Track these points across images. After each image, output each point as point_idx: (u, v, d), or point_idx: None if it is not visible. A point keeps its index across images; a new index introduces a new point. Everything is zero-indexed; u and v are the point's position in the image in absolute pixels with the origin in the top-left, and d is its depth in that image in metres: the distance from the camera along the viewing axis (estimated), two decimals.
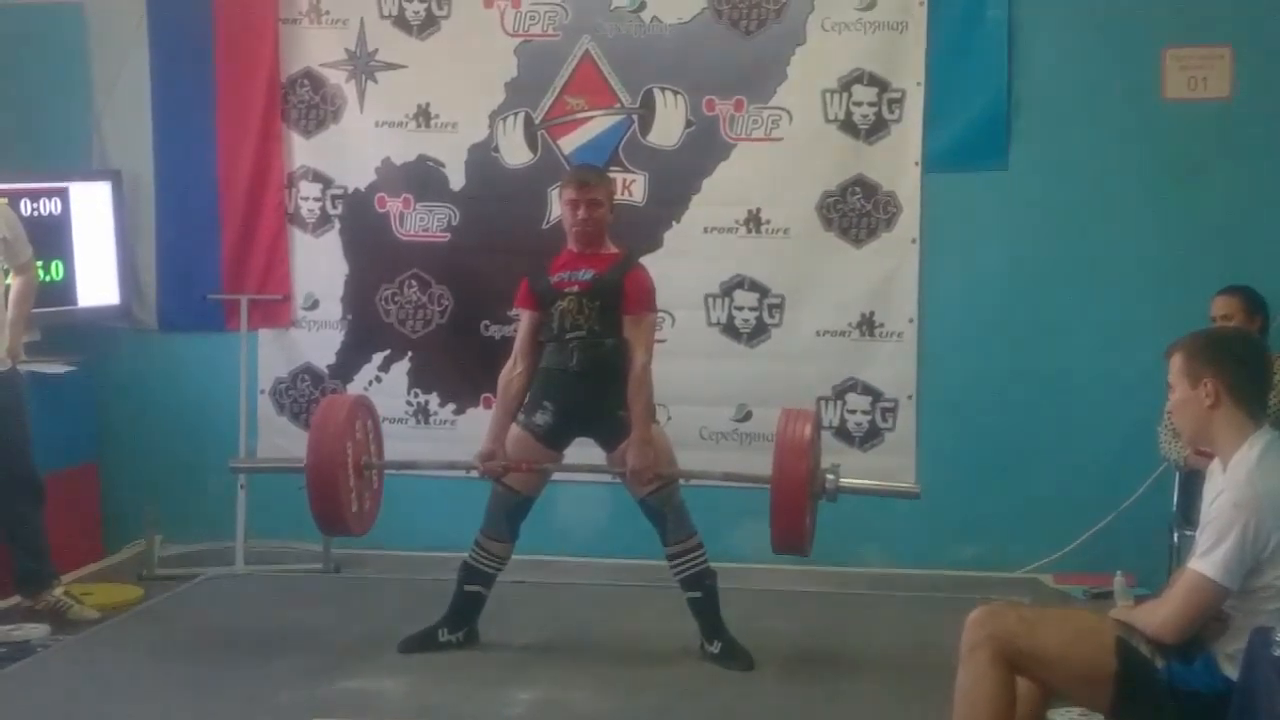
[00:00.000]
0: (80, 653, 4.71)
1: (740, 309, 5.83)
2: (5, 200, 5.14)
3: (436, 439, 5.88)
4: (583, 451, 4.70)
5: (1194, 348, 3.11)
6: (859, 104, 5.69)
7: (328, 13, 5.99)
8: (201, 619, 5.14)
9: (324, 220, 6.09)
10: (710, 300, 5.84)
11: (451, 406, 6.02)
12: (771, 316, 5.82)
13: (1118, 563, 5.17)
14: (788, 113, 5.73)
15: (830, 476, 4.31)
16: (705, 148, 5.80)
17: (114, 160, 6.09)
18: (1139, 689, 3.00)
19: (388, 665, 4.53)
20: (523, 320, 4.67)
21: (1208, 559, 2.93)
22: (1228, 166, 5.53)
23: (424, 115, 5.95)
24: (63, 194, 5.78)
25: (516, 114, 5.90)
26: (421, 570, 5.58)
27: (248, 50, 6.00)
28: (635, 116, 5.84)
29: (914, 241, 5.71)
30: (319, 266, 6.10)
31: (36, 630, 4.83)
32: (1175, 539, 4.90)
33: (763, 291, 5.81)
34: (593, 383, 4.49)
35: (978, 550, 5.71)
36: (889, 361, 5.76)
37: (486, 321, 5.96)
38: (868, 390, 5.78)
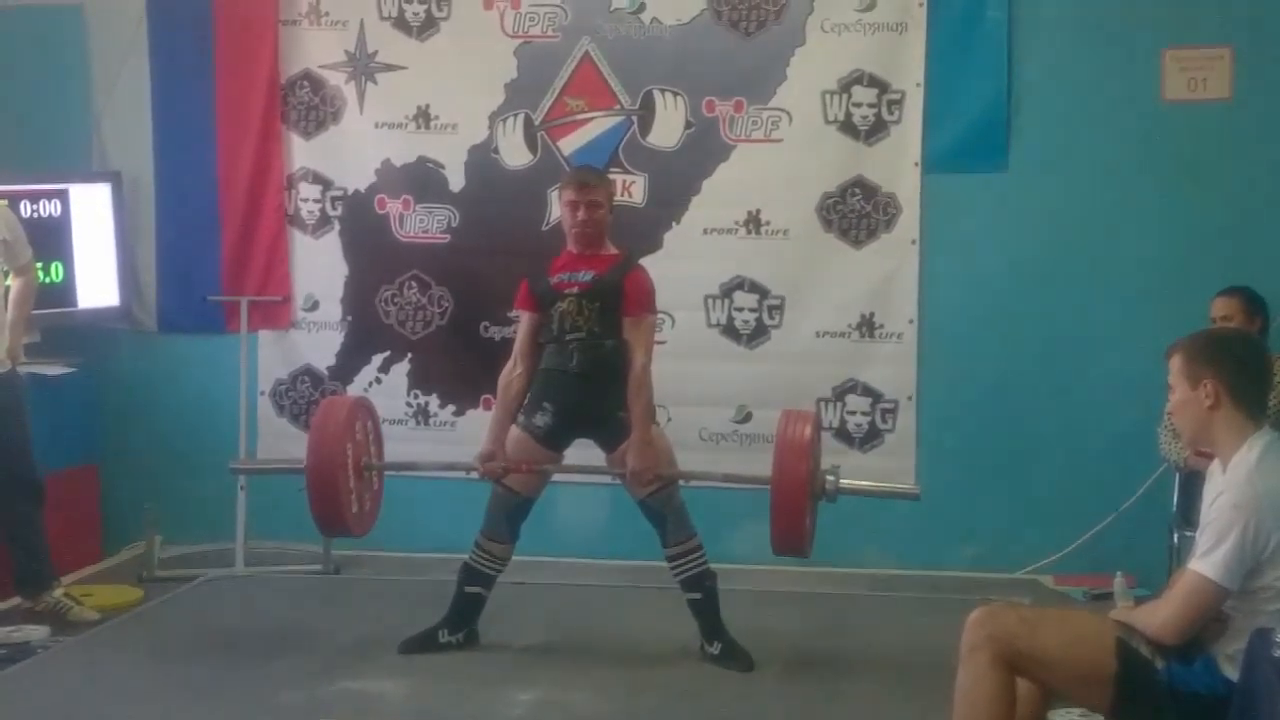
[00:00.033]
0: (80, 654, 4.71)
1: (740, 310, 5.83)
2: (5, 202, 5.14)
3: (436, 440, 5.88)
4: (583, 453, 4.70)
5: (1194, 348, 3.11)
6: (859, 105, 5.69)
7: (327, 14, 5.99)
8: (201, 620, 5.14)
9: (324, 221, 6.09)
10: (710, 301, 5.84)
11: (451, 408, 6.02)
12: (771, 318, 5.82)
13: (1118, 564, 5.17)
14: (787, 114, 5.73)
15: (830, 478, 4.31)
16: (705, 149, 5.80)
17: (114, 162, 6.10)
18: (1139, 690, 3.00)
19: (388, 666, 4.53)
20: (522, 321, 4.67)
21: (1208, 560, 2.93)
22: (1228, 167, 5.53)
23: (424, 117, 5.96)
24: (62, 195, 5.78)
25: (516, 115, 5.91)
26: (422, 571, 5.59)
27: (247, 52, 6.00)
28: (635, 118, 5.84)
29: (914, 242, 5.71)
30: (319, 268, 6.10)
31: (36, 631, 4.83)
32: (1175, 540, 4.90)
33: (762, 293, 5.81)
34: (593, 384, 4.49)
35: (978, 551, 5.71)
36: (889, 363, 5.76)
37: (486, 323, 5.96)
38: (868, 391, 5.78)
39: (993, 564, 5.67)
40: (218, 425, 5.95)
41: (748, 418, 5.81)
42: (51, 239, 5.66)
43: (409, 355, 6.06)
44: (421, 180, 5.98)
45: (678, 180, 5.82)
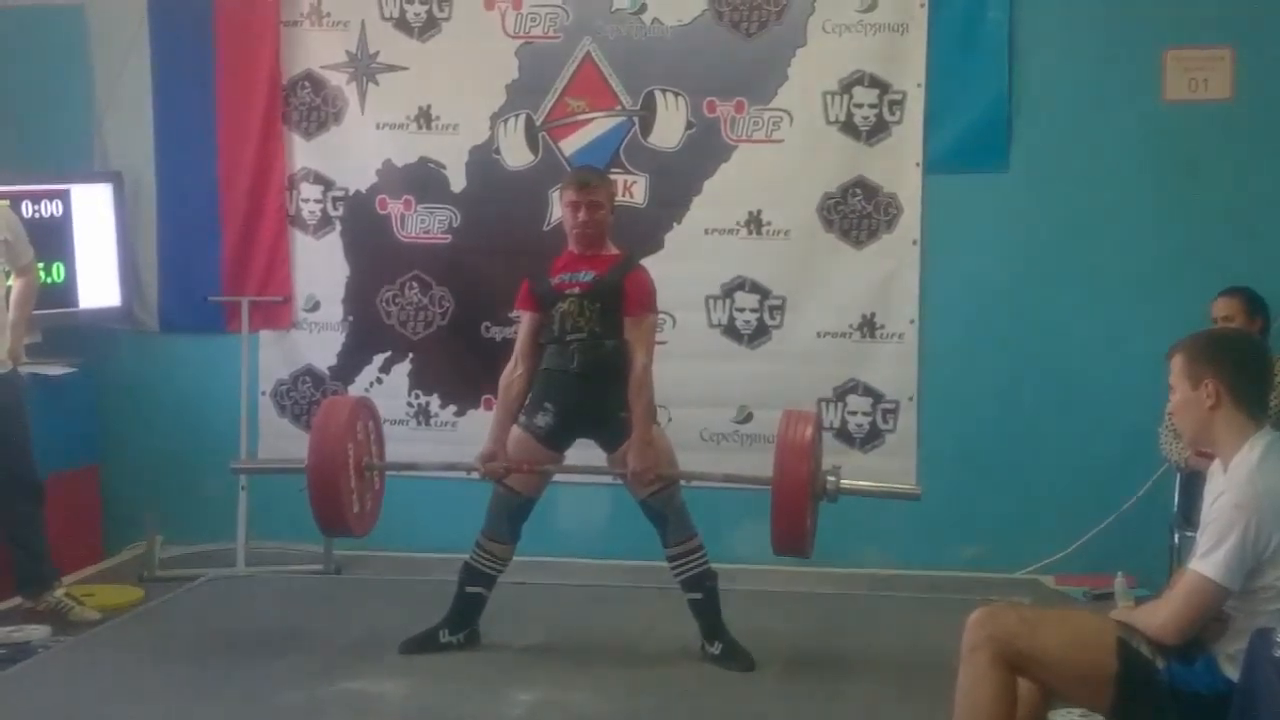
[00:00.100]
0: (81, 654, 4.72)
1: (741, 310, 5.83)
2: (6, 202, 5.15)
3: (437, 440, 5.88)
4: (584, 453, 4.70)
5: (1195, 349, 3.11)
6: (860, 105, 5.69)
7: (329, 15, 5.99)
8: (202, 620, 5.14)
9: (325, 222, 6.09)
10: (711, 302, 5.84)
11: (452, 408, 6.02)
12: (772, 318, 5.82)
13: (1118, 564, 5.17)
14: (788, 114, 5.73)
15: (831, 478, 4.31)
16: (706, 149, 5.80)
17: (115, 162, 6.10)
18: (1140, 690, 3.00)
19: (389, 666, 4.54)
20: (523, 322, 4.67)
21: (1208, 560, 2.93)
22: (1228, 168, 5.53)
23: (425, 117, 5.96)
24: (64, 196, 5.78)
25: (517, 116, 5.91)
26: (422, 572, 5.59)
27: (249, 52, 6.00)
28: (636, 118, 5.84)
29: (915, 243, 5.71)
30: (320, 268, 6.10)
31: (37, 631, 4.83)
32: (1176, 540, 4.90)
33: (763, 293, 5.81)
34: (593, 384, 4.49)
35: (978, 551, 5.71)
36: (890, 363, 5.76)
37: (487, 323, 5.96)
38: (868, 392, 5.79)
39: (993, 564, 5.66)
40: (219, 425, 5.95)
41: (749, 418, 5.81)
42: (53, 239, 5.66)
43: (410, 355, 6.06)
44: (423, 181, 5.98)
45: (679, 181, 5.82)
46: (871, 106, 5.68)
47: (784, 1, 5.70)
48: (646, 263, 4.77)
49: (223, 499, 5.77)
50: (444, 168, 5.97)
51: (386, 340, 6.07)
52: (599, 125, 5.87)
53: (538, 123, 5.90)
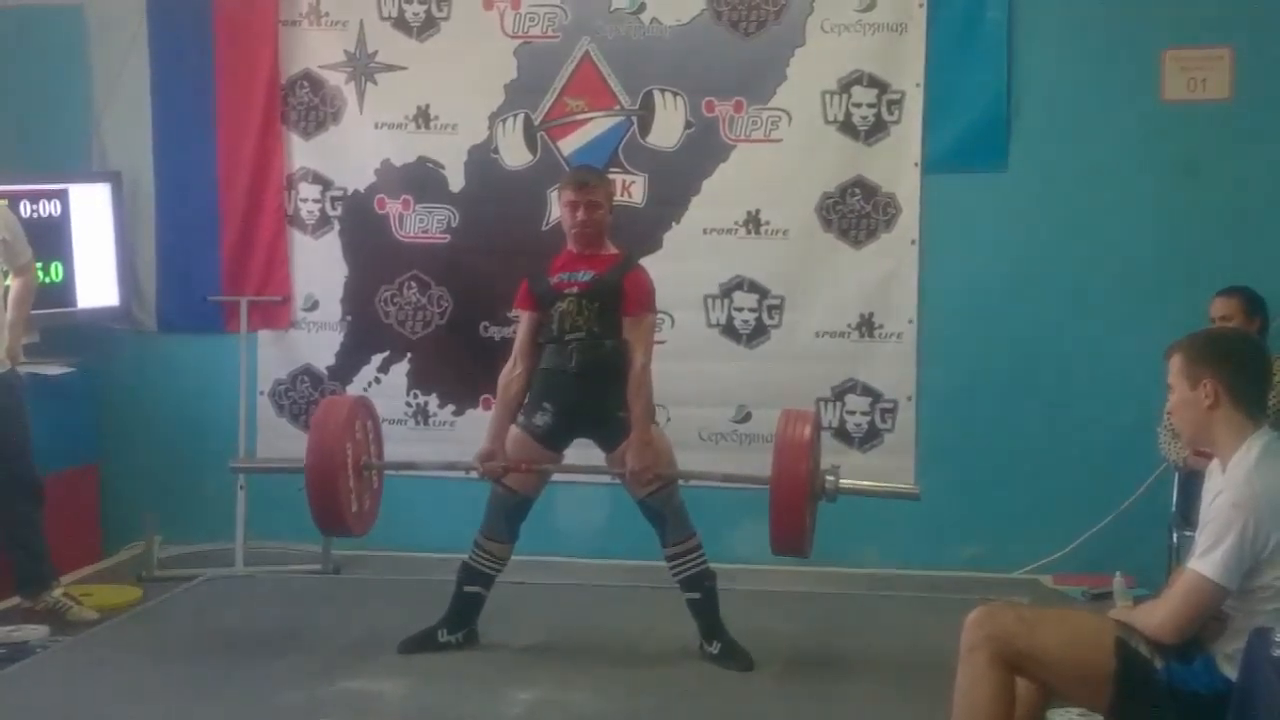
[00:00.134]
0: (79, 654, 4.71)
1: (740, 310, 5.83)
2: (5, 202, 5.15)
3: (436, 440, 5.87)
4: (582, 452, 4.70)
5: (1193, 348, 3.11)
6: (858, 105, 5.69)
7: (327, 14, 5.99)
8: (201, 620, 5.14)
9: (323, 222, 6.09)
10: (710, 301, 5.84)
11: (451, 407, 6.02)
12: (771, 318, 5.82)
13: (1117, 563, 5.17)
14: (787, 114, 5.74)
15: (830, 477, 4.31)
16: (705, 149, 5.80)
17: (113, 162, 6.10)
18: (1138, 689, 3.00)
19: (387, 666, 4.53)
20: (522, 321, 4.67)
21: (1207, 559, 2.93)
22: (1227, 168, 5.53)
23: (423, 117, 5.96)
24: (62, 195, 5.78)
25: (516, 115, 5.91)
26: (421, 571, 5.58)
27: (247, 52, 6.00)
28: (635, 118, 5.84)
29: (913, 242, 5.71)
30: (318, 268, 6.10)
31: (36, 631, 4.82)
32: (1174, 539, 4.90)
33: (762, 293, 5.81)
34: (592, 384, 4.49)
35: (977, 551, 5.72)
36: (888, 362, 5.76)
37: (486, 323, 5.96)
38: (867, 391, 5.79)
39: (992, 564, 5.67)
40: (217, 425, 5.95)
41: (747, 417, 5.81)
42: (51, 239, 5.66)
43: (408, 355, 6.06)
44: (421, 180, 5.98)
45: (677, 180, 5.82)
46: (870, 106, 5.69)
47: (782, 1, 5.70)
48: (645, 262, 4.77)
49: (221, 498, 5.77)
50: (442, 167, 5.97)
51: (385, 340, 6.07)
52: (597, 125, 5.87)
53: (536, 122, 5.90)
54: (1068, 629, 3.12)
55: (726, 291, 5.83)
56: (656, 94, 5.83)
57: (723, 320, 5.84)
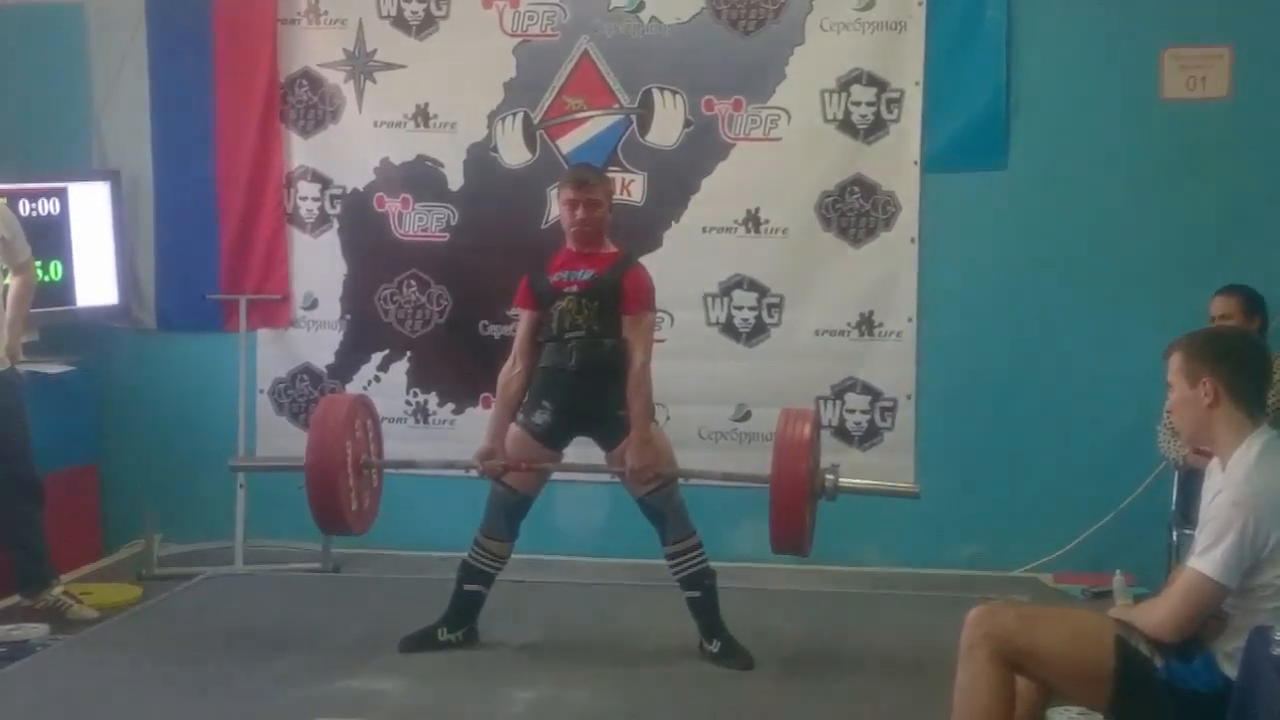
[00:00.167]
0: (79, 652, 4.71)
1: (739, 309, 5.83)
2: (4, 200, 5.14)
3: (436, 438, 5.87)
4: (582, 451, 4.70)
5: (1193, 347, 3.11)
6: (857, 104, 5.69)
7: (326, 13, 5.99)
8: (201, 618, 5.14)
9: (323, 220, 6.09)
10: (709, 300, 5.84)
11: (450, 406, 6.02)
12: (770, 316, 5.82)
13: (1117, 562, 5.17)
14: (786, 112, 5.73)
15: (829, 476, 4.31)
16: (704, 147, 5.80)
17: (113, 160, 6.10)
18: (1138, 688, 3.00)
19: (387, 664, 4.53)
20: (522, 320, 4.67)
21: (1206, 557, 2.94)
22: (1226, 166, 5.53)
23: (422, 115, 5.96)
24: (61, 194, 5.78)
25: (515, 114, 5.91)
26: (421, 570, 5.59)
27: (246, 50, 6.00)
28: (634, 116, 5.84)
29: (913, 241, 5.71)
30: (318, 266, 6.10)
31: (36, 630, 4.82)
32: (1174, 538, 4.91)
33: (761, 291, 5.81)
34: (592, 382, 4.49)
35: (977, 549, 5.72)
36: (888, 361, 5.76)
37: (485, 321, 5.96)
38: (867, 390, 5.79)
39: (992, 562, 5.67)
40: (217, 424, 5.95)
41: (747, 416, 5.81)
42: (50, 237, 5.66)
43: (408, 353, 6.06)
44: (420, 179, 5.98)
45: (677, 179, 5.82)
46: (869, 105, 5.68)
47: (782, 0, 5.70)
48: (645, 261, 4.78)
49: (221, 497, 5.77)
50: (442, 166, 5.97)
51: (384, 338, 6.07)
52: (597, 123, 5.87)
53: (535, 121, 5.90)
54: (1068, 627, 3.11)
55: (726, 290, 5.83)
56: (656, 92, 5.83)
57: (722, 319, 5.84)
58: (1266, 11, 5.47)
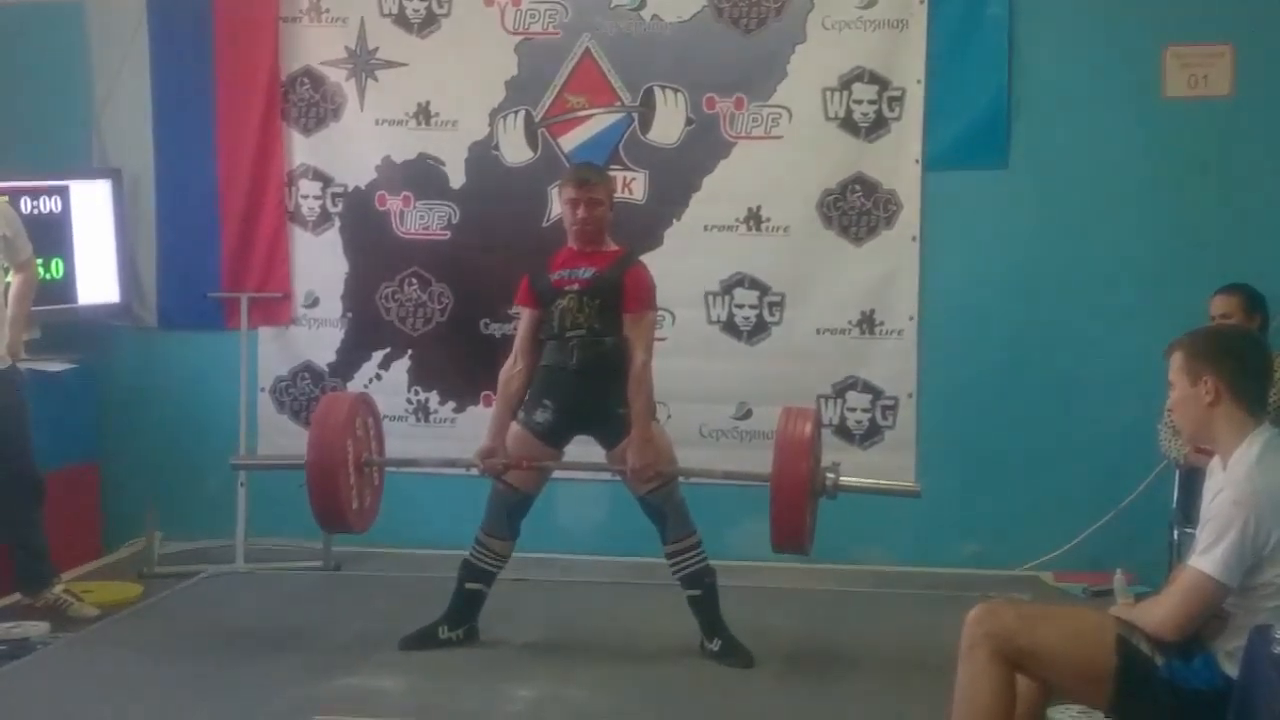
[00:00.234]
0: (80, 650, 4.71)
1: (740, 307, 5.83)
2: (5, 198, 5.15)
3: (436, 437, 5.87)
4: (583, 449, 4.70)
5: (1194, 346, 3.11)
6: (859, 102, 5.69)
7: (328, 11, 5.99)
8: (201, 617, 5.14)
9: (324, 218, 6.09)
10: (710, 298, 5.84)
11: (451, 404, 6.02)
12: (772, 314, 5.82)
13: (1117, 560, 5.13)
14: (788, 111, 5.73)
15: (830, 475, 4.31)
16: (705, 146, 5.80)
17: (114, 159, 6.10)
18: (1139, 686, 3.00)
19: (388, 663, 4.53)
20: (523, 318, 4.67)
21: (1207, 556, 2.93)
22: (1228, 165, 5.53)
23: (424, 113, 5.95)
24: (63, 192, 5.78)
25: (517, 112, 5.91)
26: (422, 568, 5.58)
27: (248, 48, 6.00)
28: (635, 114, 5.84)
29: (914, 239, 5.71)
30: (319, 264, 6.10)
31: (36, 628, 4.83)
32: (1175, 536, 4.91)
33: (763, 289, 5.81)
34: (593, 381, 4.49)
35: (978, 548, 5.72)
36: (889, 359, 5.76)
37: (486, 319, 5.96)
38: (868, 388, 5.78)
39: (993, 561, 5.67)
40: (218, 422, 5.95)
41: (748, 414, 5.81)
42: (52, 235, 5.67)
43: (409, 352, 6.06)
44: (422, 177, 5.98)
45: (678, 177, 5.82)
46: (871, 103, 5.68)
47: None
48: (646, 259, 4.78)
49: (222, 495, 5.77)
50: (443, 164, 5.97)
51: (386, 337, 6.07)
52: (598, 121, 5.87)
53: (537, 119, 5.90)
54: (1068, 626, 3.12)
55: (727, 288, 5.83)
56: (657, 90, 5.82)
57: (723, 317, 5.84)
58: (1268, 10, 5.47)
